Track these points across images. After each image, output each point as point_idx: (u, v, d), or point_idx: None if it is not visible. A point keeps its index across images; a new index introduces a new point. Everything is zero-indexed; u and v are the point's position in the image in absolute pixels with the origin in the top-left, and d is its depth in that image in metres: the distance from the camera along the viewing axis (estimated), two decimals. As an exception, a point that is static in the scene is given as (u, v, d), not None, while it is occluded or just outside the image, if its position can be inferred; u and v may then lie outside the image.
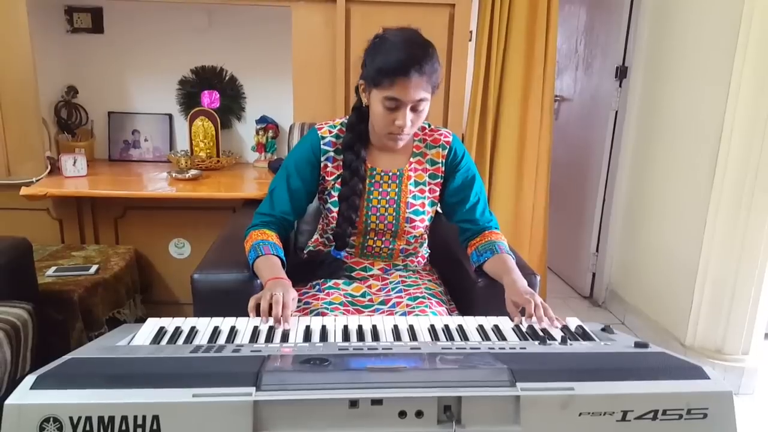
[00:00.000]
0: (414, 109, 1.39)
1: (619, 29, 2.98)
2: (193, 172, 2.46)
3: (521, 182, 2.85)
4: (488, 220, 1.60)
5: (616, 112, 3.07)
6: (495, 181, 2.84)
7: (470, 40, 2.48)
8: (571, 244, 3.50)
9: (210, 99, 2.63)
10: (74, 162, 2.37)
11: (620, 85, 3.03)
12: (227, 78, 2.75)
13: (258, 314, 1.22)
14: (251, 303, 1.24)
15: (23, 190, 2.20)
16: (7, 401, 0.78)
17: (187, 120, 2.66)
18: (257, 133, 2.75)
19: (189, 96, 2.74)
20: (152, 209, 2.48)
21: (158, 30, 2.67)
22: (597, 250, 3.29)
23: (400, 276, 1.59)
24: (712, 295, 2.38)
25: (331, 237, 1.58)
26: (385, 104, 1.38)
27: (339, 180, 1.53)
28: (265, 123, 2.74)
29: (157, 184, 2.38)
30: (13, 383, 1.57)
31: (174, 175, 2.43)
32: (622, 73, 3.01)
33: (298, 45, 2.36)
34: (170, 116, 2.78)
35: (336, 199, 1.53)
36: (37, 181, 2.32)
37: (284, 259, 1.45)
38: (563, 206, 3.57)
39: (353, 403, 0.82)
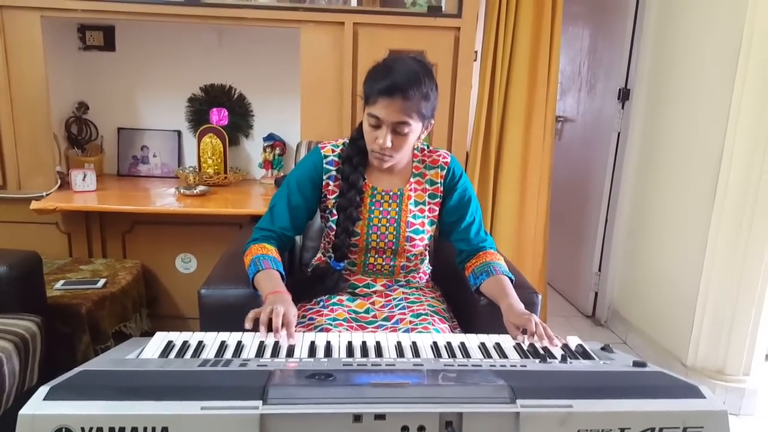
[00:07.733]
0: (396, 132, 1.41)
1: (622, 52, 3.02)
2: (200, 188, 2.49)
3: (524, 201, 2.87)
4: (482, 239, 1.62)
5: (619, 133, 3.11)
6: (498, 200, 2.87)
7: (475, 60, 2.53)
8: (574, 264, 3.52)
9: (219, 116, 2.67)
10: (84, 177, 2.41)
11: (623, 107, 3.06)
12: (236, 96, 2.80)
13: (255, 327, 1.22)
14: (250, 315, 1.24)
15: (33, 204, 2.23)
16: (21, 411, 0.81)
17: (195, 137, 2.70)
18: (265, 150, 2.79)
19: (198, 113, 2.79)
20: (160, 224, 2.52)
21: (169, 48, 2.72)
22: (599, 270, 3.31)
23: (404, 293, 1.61)
24: (713, 316, 2.39)
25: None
26: (369, 121, 1.43)
27: None
28: (273, 140, 2.78)
29: (165, 199, 2.41)
30: (21, 395, 1.59)
31: (182, 190, 2.46)
32: (624, 95, 3.04)
33: (307, 65, 2.41)
34: (179, 133, 2.82)
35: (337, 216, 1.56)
36: (47, 195, 2.35)
37: (283, 273, 1.46)
38: (566, 226, 3.58)
39: (357, 418, 0.84)
